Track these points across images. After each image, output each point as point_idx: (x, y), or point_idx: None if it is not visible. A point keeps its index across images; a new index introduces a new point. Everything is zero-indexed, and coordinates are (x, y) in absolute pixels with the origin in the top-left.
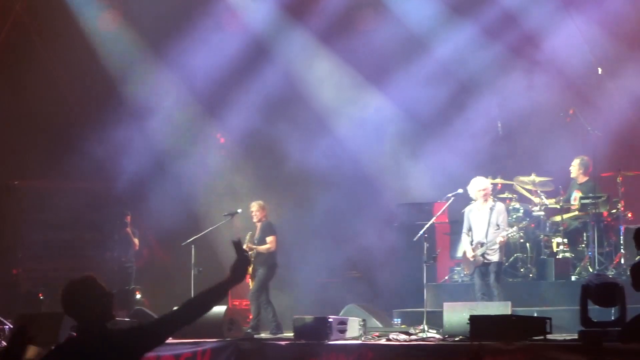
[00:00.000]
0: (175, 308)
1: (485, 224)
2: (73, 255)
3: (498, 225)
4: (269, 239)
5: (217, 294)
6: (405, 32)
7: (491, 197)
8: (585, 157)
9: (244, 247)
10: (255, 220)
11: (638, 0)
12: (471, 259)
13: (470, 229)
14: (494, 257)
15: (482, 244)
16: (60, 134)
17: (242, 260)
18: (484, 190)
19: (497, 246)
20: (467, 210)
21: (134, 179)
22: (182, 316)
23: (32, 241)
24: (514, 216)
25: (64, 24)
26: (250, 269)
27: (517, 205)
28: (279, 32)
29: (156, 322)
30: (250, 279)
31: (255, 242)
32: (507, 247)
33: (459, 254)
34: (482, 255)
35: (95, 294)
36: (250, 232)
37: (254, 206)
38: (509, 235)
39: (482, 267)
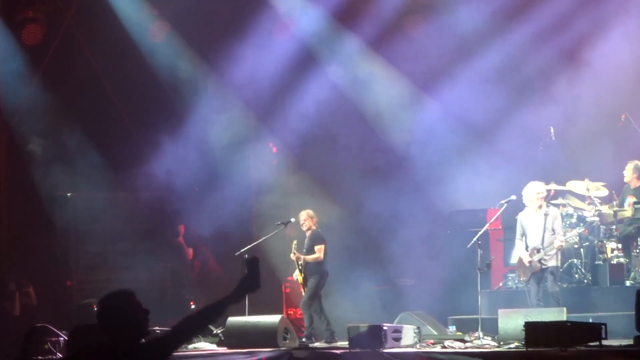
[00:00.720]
0: (179, 321)
1: (540, 229)
2: (126, 265)
3: (553, 231)
4: (318, 247)
5: (216, 311)
6: (455, 38)
7: (545, 202)
8: (639, 161)
9: (292, 256)
10: (304, 229)
11: None
12: (527, 265)
13: (524, 235)
14: (551, 262)
15: (538, 250)
16: (113, 145)
17: (251, 280)
18: (539, 194)
19: (554, 251)
20: (520, 216)
21: (188, 189)
22: (185, 331)
23: (85, 252)
24: (568, 222)
25: (114, 35)
26: (301, 279)
27: (571, 211)
28: (329, 38)
29: (168, 334)
30: (302, 289)
31: (304, 251)
32: (562, 253)
33: (513, 260)
34: (539, 260)
35: (131, 311)
36: (296, 241)
37: (303, 215)
38: (567, 240)
39: (539, 273)
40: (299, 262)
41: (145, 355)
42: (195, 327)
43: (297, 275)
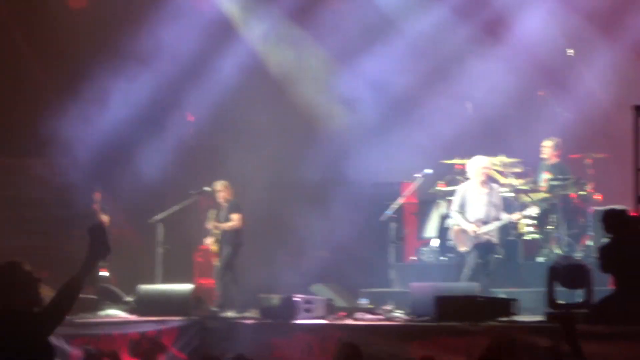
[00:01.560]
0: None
1: (483, 203)
2: (41, 233)
3: (496, 205)
4: (235, 216)
5: (73, 287)
6: (376, 12)
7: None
8: (557, 138)
9: (209, 224)
10: (220, 199)
11: None
12: (472, 234)
13: (463, 207)
14: (495, 237)
15: (484, 222)
16: (19, 110)
17: (97, 247)
18: (486, 168)
19: (498, 226)
20: (462, 188)
21: (103, 155)
22: (60, 302)
23: None
24: None
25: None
26: (216, 248)
27: None
28: (248, 10)
29: (48, 305)
30: (216, 258)
31: (222, 220)
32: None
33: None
34: (486, 233)
35: (20, 281)
36: (214, 211)
37: (218, 185)
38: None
39: (482, 246)
40: (216, 231)
41: (35, 325)
42: (63, 303)
43: (212, 244)
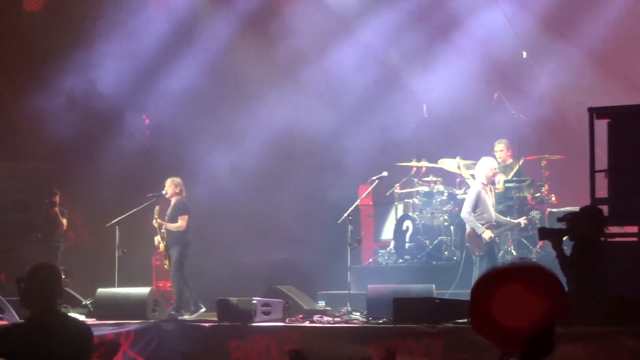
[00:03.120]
0: None
1: (491, 205)
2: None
3: (495, 208)
4: (181, 217)
5: None
6: (331, 14)
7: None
8: (505, 140)
9: (154, 222)
10: (168, 196)
11: None
12: (488, 240)
13: (478, 209)
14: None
15: (494, 226)
16: None
17: None
18: (495, 170)
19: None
20: (475, 190)
21: (62, 158)
22: None
23: None
24: (438, 199)
25: None
26: (163, 247)
27: (442, 189)
28: (204, 13)
29: None
30: (166, 260)
31: (167, 219)
32: (431, 230)
33: (468, 234)
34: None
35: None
36: (158, 207)
37: (168, 182)
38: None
39: (493, 250)
40: (161, 230)
41: (72, 328)
42: None
43: (159, 243)
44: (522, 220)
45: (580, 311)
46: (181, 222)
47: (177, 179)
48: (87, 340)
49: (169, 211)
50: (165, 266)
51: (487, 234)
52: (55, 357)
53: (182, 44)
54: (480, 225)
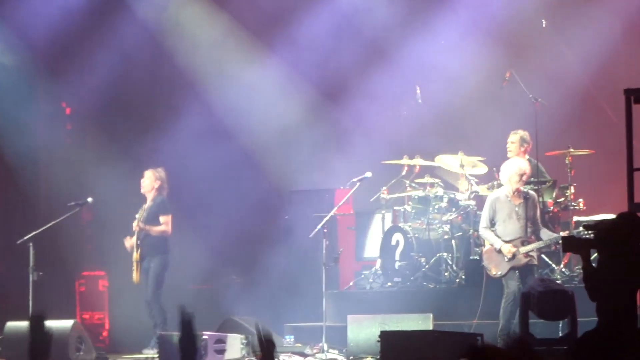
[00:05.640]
0: None
1: (522, 217)
2: None
3: (533, 220)
4: (164, 218)
5: None
6: None
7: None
8: (522, 131)
9: (134, 225)
10: (143, 191)
11: None
12: (509, 256)
13: (492, 222)
14: (535, 259)
15: (523, 242)
16: None
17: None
18: (525, 174)
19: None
20: (492, 198)
21: None
22: None
23: None
24: (436, 206)
25: None
26: (137, 256)
27: (440, 193)
28: None
29: None
30: (136, 273)
31: (143, 220)
32: (427, 246)
33: (486, 247)
34: (527, 254)
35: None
36: (143, 207)
37: (147, 173)
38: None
39: (522, 269)
40: (139, 235)
41: None
42: None
43: (132, 249)
44: (563, 235)
45: (619, 345)
46: (165, 225)
47: (161, 171)
48: None
49: (147, 209)
50: (133, 279)
51: (507, 249)
52: None
53: (113, 13)
54: (497, 239)
